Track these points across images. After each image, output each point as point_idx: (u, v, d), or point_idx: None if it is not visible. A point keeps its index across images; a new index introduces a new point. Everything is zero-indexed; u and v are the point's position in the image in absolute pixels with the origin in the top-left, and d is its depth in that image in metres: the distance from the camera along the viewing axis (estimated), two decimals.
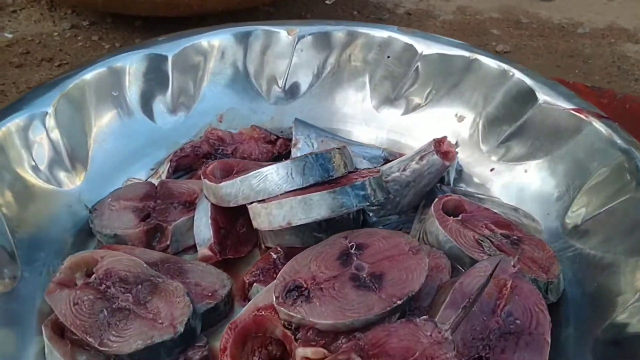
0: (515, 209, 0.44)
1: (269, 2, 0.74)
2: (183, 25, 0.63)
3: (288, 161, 0.39)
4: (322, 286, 0.34)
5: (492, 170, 0.47)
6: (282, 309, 0.33)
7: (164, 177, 0.47)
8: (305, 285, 0.34)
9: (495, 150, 0.48)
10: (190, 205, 0.43)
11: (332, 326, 0.32)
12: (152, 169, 0.48)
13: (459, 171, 0.48)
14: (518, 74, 0.48)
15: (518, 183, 0.46)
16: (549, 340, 0.34)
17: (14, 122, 0.42)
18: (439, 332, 0.31)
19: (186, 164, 0.48)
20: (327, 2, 0.83)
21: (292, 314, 0.33)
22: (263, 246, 0.43)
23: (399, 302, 0.32)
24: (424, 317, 0.32)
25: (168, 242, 0.42)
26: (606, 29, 0.80)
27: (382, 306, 0.32)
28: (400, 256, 0.35)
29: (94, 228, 0.42)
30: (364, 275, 0.34)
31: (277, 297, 0.33)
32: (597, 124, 0.43)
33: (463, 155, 0.48)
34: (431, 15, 0.81)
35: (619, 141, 0.41)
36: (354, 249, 0.36)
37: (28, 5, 0.76)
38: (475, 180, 0.48)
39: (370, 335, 0.32)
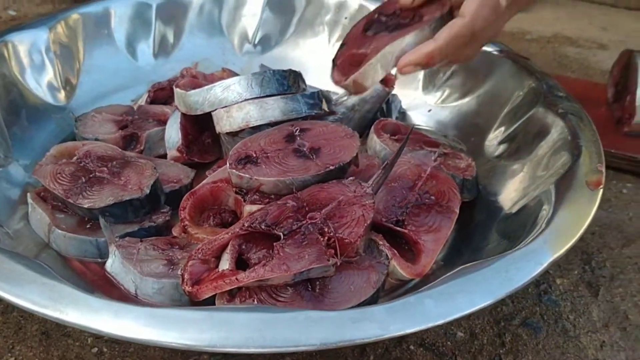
0: (445, 135, 0.51)
1: None
2: None
3: (249, 74, 0.46)
4: (268, 155, 0.40)
5: (429, 111, 0.54)
6: (234, 171, 0.39)
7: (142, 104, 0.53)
8: (255, 155, 0.40)
9: (432, 94, 0.55)
10: (162, 122, 0.50)
11: (275, 185, 0.38)
12: (132, 100, 0.55)
13: (402, 113, 0.55)
14: None
15: (450, 119, 0.53)
16: (457, 212, 0.40)
17: (19, 38, 0.49)
18: (362, 188, 0.37)
19: (162, 97, 0.54)
20: None
21: (241, 174, 0.38)
22: (225, 156, 0.49)
23: (332, 168, 0.39)
24: (351, 177, 0.38)
25: (142, 148, 0.48)
26: (551, 37, 0.89)
27: (317, 169, 0.38)
28: (337, 138, 0.41)
29: (78, 133, 0.48)
30: (304, 149, 0.40)
31: (230, 164, 0.40)
32: (513, 63, 0.50)
33: (406, 101, 0.55)
34: None
35: (530, 71, 0.49)
36: (298, 132, 0.42)
37: None
38: (415, 120, 0.55)
39: (307, 192, 0.38)
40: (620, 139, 0.57)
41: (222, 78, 0.56)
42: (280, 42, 0.60)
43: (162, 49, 0.58)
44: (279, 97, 0.45)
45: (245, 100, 0.45)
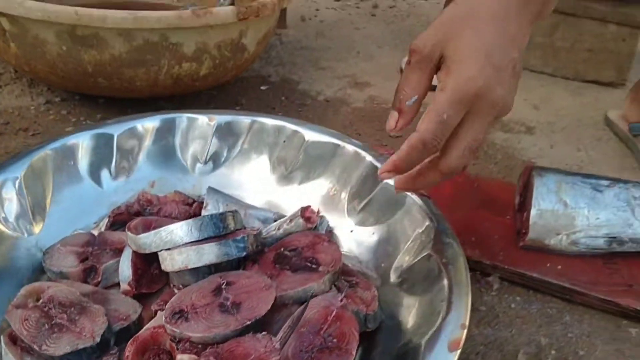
0: (360, 261, 0.60)
1: (206, 88, 0.91)
2: (138, 103, 0.80)
3: (190, 220, 0.55)
4: (197, 310, 0.49)
5: (351, 231, 0.63)
6: (168, 326, 0.48)
7: (103, 229, 0.62)
8: (186, 310, 0.49)
9: (354, 216, 0.64)
10: (119, 251, 0.58)
11: (201, 338, 0.47)
12: (95, 223, 0.63)
13: (329, 231, 0.64)
14: (370, 158, 0.65)
15: (367, 242, 0.62)
16: (354, 354, 0.49)
17: None
18: (271, 344, 0.46)
19: (121, 220, 0.63)
20: (262, 87, 1.00)
21: (174, 329, 0.47)
22: (171, 284, 0.58)
23: (249, 323, 0.48)
24: (264, 332, 0.47)
25: (99, 279, 0.57)
26: None
27: (236, 325, 0.47)
28: (257, 290, 0.50)
29: (45, 266, 0.57)
30: (228, 304, 0.49)
31: (165, 318, 0.48)
32: (418, 200, 0.59)
33: (332, 219, 0.64)
34: (345, 102, 0.99)
35: (429, 212, 0.58)
36: (224, 285, 0.51)
37: (11, 82, 0.93)
38: (340, 239, 0.64)
39: (227, 345, 0.47)
40: (516, 252, 0.66)
41: (174, 200, 0.66)
42: (228, 161, 0.69)
43: (122, 173, 0.66)
44: (213, 243, 0.53)
45: (186, 244, 0.54)
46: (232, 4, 0.87)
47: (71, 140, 0.64)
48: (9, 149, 0.78)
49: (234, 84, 0.96)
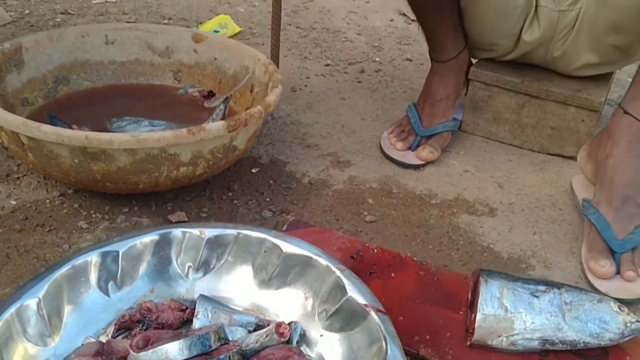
0: None
1: (202, 181, 1.02)
2: (142, 196, 0.92)
3: (181, 339, 0.66)
4: None
5: (321, 335, 0.75)
6: None
7: (110, 336, 0.74)
8: None
9: (324, 322, 0.75)
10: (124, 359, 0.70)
11: None
12: (103, 329, 0.75)
13: (302, 334, 0.75)
14: (338, 273, 0.75)
15: (333, 346, 0.73)
16: None
17: (16, 307, 0.69)
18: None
19: (125, 326, 0.75)
20: (252, 170, 1.12)
21: None
22: None
23: None
24: None
25: None
26: (453, 201, 1.09)
27: None
28: None
29: None
30: None
31: None
32: (375, 316, 0.70)
33: (306, 323, 0.76)
34: (327, 184, 1.10)
35: (383, 329, 0.69)
36: None
37: (28, 173, 1.04)
38: (311, 341, 0.75)
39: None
40: (464, 350, 0.77)
41: (170, 307, 0.77)
42: (217, 268, 0.80)
43: (127, 283, 0.77)
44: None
45: None
46: (223, 117, 0.98)
47: (83, 258, 0.75)
48: (27, 247, 0.89)
49: (227, 170, 1.06)
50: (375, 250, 0.91)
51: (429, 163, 1.18)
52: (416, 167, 1.17)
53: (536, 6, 1.17)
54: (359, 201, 1.07)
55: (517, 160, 1.22)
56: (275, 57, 1.31)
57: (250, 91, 1.16)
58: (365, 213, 1.03)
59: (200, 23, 1.70)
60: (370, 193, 1.09)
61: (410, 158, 1.18)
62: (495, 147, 1.27)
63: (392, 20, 1.84)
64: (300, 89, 1.44)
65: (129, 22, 1.66)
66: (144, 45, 1.24)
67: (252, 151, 1.17)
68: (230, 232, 0.81)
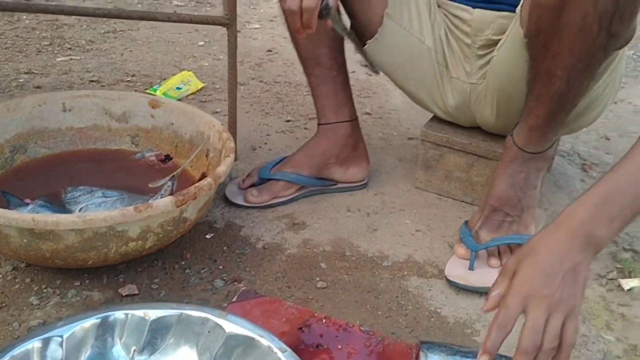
0: None
1: (153, 253, 1.03)
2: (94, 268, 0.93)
3: None
4: None
5: None
6: None
7: None
8: None
9: None
10: None
11: None
12: None
13: None
14: (279, 354, 0.77)
15: None
16: None
17: None
18: None
19: None
20: (207, 236, 1.13)
21: None
22: None
23: None
24: None
25: None
26: (403, 262, 1.11)
27: None
28: None
29: None
30: None
31: None
32: None
33: None
34: (281, 248, 1.12)
35: None
36: None
37: None
38: None
39: None
40: None
41: None
42: (161, 348, 0.82)
43: None
44: None
45: None
46: (171, 193, 1.00)
47: (26, 345, 0.76)
48: None
49: (181, 237, 1.08)
50: (324, 321, 0.93)
51: (384, 223, 1.21)
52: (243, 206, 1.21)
53: (450, 77, 1.22)
54: (312, 266, 1.09)
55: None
56: (232, 118, 1.33)
57: (206, 156, 1.19)
58: (318, 279, 1.05)
59: (164, 79, 1.73)
60: (324, 256, 1.11)
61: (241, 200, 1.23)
62: (447, 204, 1.30)
63: (353, 72, 1.89)
64: (260, 147, 1.46)
65: (92, 80, 1.69)
66: (101, 111, 1.27)
67: (208, 215, 1.19)
68: (173, 312, 0.82)
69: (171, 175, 1.01)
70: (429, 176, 1.33)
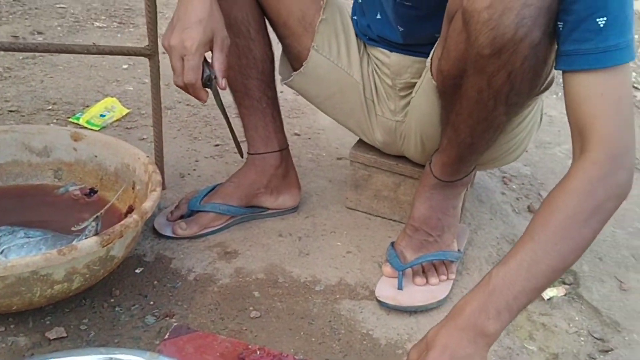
0: None
1: (81, 292, 1.01)
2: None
3: None
4: None
5: None
6: None
7: None
8: None
9: None
10: None
11: None
12: None
13: None
14: None
15: None
16: None
17: None
18: None
19: None
20: (136, 270, 1.12)
21: None
22: None
23: None
24: None
25: None
26: (335, 286, 1.13)
27: None
28: None
29: None
30: None
31: None
32: None
33: None
34: (213, 279, 1.12)
35: None
36: None
37: None
38: None
39: None
40: None
41: None
42: None
43: None
44: None
45: None
46: (96, 232, 0.98)
47: None
48: None
49: (109, 274, 1.06)
50: (258, 352, 0.94)
51: (315, 247, 1.23)
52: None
53: (376, 115, 1.25)
54: (245, 295, 1.09)
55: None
56: (158, 147, 1.32)
57: (133, 188, 1.17)
58: (251, 308, 1.05)
59: (87, 107, 1.69)
60: (257, 285, 1.11)
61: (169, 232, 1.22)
62: (376, 224, 1.33)
63: (281, 92, 1.90)
64: (189, 174, 1.45)
65: (11, 110, 1.63)
66: (20, 147, 1.22)
67: (137, 248, 1.17)
68: (101, 358, 0.81)
69: (95, 215, 0.99)
70: (359, 196, 1.36)
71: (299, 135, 1.71)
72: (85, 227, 0.97)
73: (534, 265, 0.77)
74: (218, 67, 0.98)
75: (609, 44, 0.79)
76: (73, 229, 0.99)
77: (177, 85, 0.99)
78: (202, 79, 0.98)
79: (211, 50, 0.98)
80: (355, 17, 1.22)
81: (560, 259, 0.78)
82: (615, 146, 0.80)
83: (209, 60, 1.00)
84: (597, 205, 0.78)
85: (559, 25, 0.81)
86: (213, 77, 0.99)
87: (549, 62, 0.89)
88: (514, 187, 1.56)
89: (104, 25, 2.35)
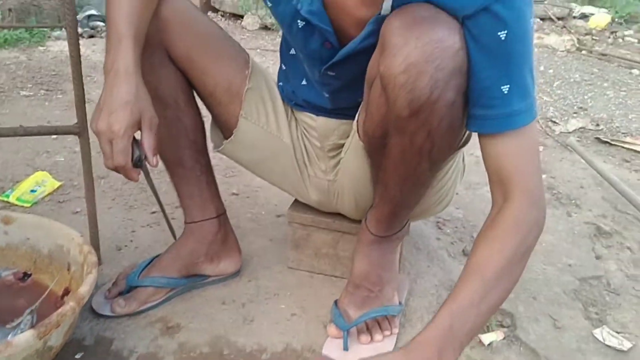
0: None
1: None
2: None
3: None
4: None
5: None
6: None
7: None
8: None
9: None
10: None
11: None
12: None
13: None
14: None
15: None
16: None
17: None
18: None
19: None
20: (76, 357, 1.08)
21: None
22: None
23: None
24: None
25: None
26: (282, 352, 1.13)
27: None
28: None
29: None
30: None
31: None
32: None
33: None
34: (156, 358, 1.10)
35: None
36: None
37: None
38: None
39: None
40: None
41: None
42: None
43: None
44: None
45: None
46: (32, 325, 0.95)
47: None
48: None
49: None
50: None
51: (260, 312, 1.23)
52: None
53: (309, 175, 1.28)
54: None
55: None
56: (92, 220, 1.30)
57: (68, 270, 1.15)
58: None
59: (17, 182, 1.65)
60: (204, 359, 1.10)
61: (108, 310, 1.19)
62: (319, 281, 1.35)
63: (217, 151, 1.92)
64: (126, 245, 1.43)
65: None
66: None
67: (76, 332, 1.14)
68: None
69: (29, 309, 0.97)
70: (300, 255, 1.38)
71: (236, 194, 1.72)
72: (21, 321, 0.94)
73: (483, 302, 0.86)
74: (148, 146, 0.99)
75: (514, 108, 0.86)
76: (8, 326, 0.96)
77: (107, 168, 0.99)
78: (132, 160, 0.98)
79: (140, 129, 0.99)
80: (280, 84, 1.25)
81: (504, 294, 0.90)
82: (533, 194, 0.92)
83: (139, 138, 1.00)
84: (528, 244, 0.91)
85: (468, 90, 0.87)
86: (143, 156, 0.99)
87: (465, 119, 0.94)
88: (448, 231, 1.61)
89: (31, 93, 2.31)
